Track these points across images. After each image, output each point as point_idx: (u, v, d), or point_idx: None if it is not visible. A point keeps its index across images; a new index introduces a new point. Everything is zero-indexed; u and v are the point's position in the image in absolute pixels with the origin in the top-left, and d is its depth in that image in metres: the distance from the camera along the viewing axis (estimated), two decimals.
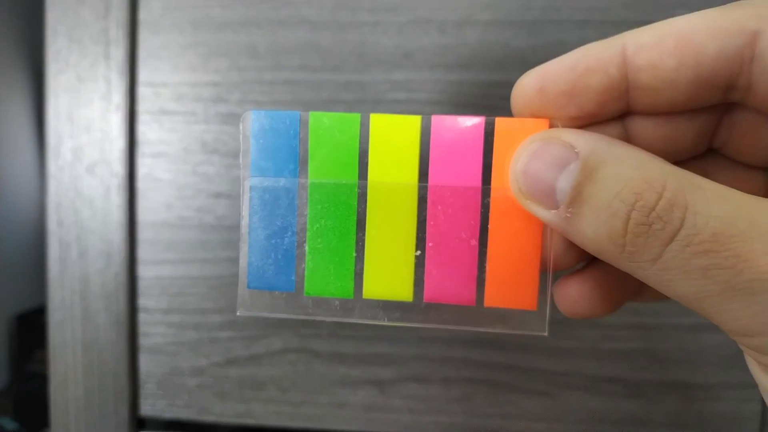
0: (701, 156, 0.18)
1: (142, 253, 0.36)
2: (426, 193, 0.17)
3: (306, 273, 0.18)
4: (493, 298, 0.18)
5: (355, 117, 0.17)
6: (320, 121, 0.18)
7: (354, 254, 0.18)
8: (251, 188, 0.18)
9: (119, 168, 0.35)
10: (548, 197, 0.15)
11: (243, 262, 0.19)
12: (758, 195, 0.14)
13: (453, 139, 0.17)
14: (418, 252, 0.18)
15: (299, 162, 0.18)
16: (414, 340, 0.35)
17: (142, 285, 0.36)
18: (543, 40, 0.33)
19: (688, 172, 0.14)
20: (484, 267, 0.17)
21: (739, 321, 0.13)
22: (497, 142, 0.17)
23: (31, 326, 1.94)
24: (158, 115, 0.35)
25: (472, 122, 0.17)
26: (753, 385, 0.31)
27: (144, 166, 0.35)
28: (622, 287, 0.18)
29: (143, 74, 0.35)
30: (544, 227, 0.17)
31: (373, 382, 0.35)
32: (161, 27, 0.35)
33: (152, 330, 0.36)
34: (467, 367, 0.35)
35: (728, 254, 0.12)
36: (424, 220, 0.17)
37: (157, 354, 0.36)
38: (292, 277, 0.18)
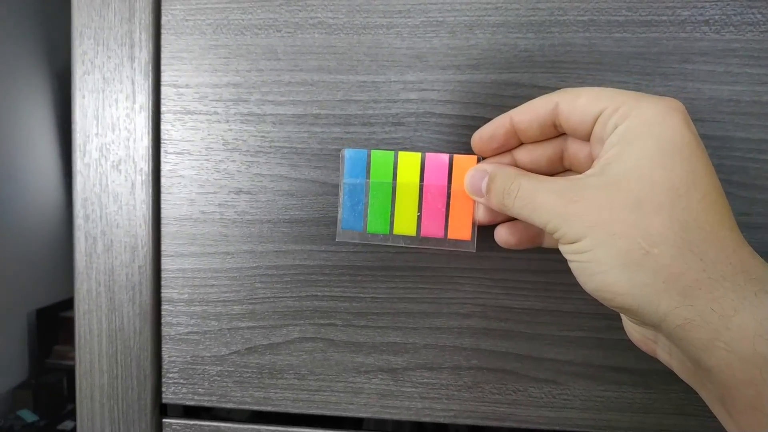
0: (563, 172, 0.33)
1: (166, 246, 0.37)
2: (423, 187, 0.35)
3: (368, 222, 0.35)
4: (451, 234, 0.35)
5: (392, 153, 0.35)
6: (376, 154, 0.35)
7: (390, 214, 0.35)
8: (345, 183, 0.35)
9: (144, 165, 0.37)
10: (479, 192, 0.32)
11: (339, 216, 0.35)
12: None
13: (435, 164, 0.35)
14: (419, 213, 0.35)
15: (366, 172, 0.35)
16: (426, 330, 0.36)
17: (166, 277, 0.37)
18: (550, 41, 0.34)
19: (527, 172, 0.31)
20: (448, 220, 0.35)
21: (539, 222, 0.28)
22: (455, 165, 0.34)
23: (50, 321, 1.96)
24: (181, 115, 0.36)
25: (443, 157, 0.34)
26: None
27: (168, 163, 0.37)
28: (521, 232, 0.33)
29: (166, 75, 0.36)
30: (474, 202, 0.34)
31: (387, 369, 0.36)
32: (184, 30, 0.36)
33: (175, 320, 0.38)
34: (477, 356, 0.36)
35: (532, 200, 0.28)
36: (422, 199, 0.35)
37: (180, 343, 0.38)
38: (362, 224, 0.35)
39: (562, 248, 0.28)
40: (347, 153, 0.35)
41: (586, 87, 0.30)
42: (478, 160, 0.34)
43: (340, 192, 0.35)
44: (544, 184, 0.29)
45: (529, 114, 0.31)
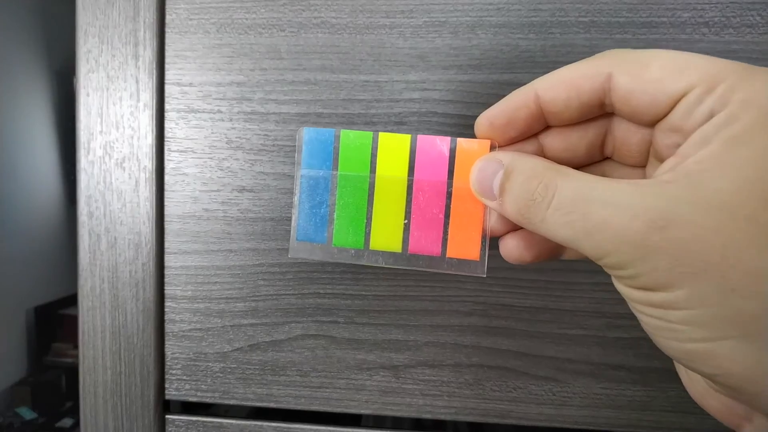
0: (600, 161, 0.26)
1: (169, 243, 0.37)
2: (412, 184, 0.27)
3: (334, 231, 0.27)
4: (452, 251, 0.27)
5: (369, 134, 0.27)
6: (347, 135, 0.27)
7: (365, 221, 0.27)
8: (302, 176, 0.27)
9: (148, 163, 0.37)
10: (490, 193, 0.24)
11: (294, 223, 0.28)
12: None
13: (430, 150, 0.27)
14: (406, 221, 0.27)
15: (333, 161, 0.27)
16: (427, 327, 0.36)
17: (169, 274, 0.38)
18: (551, 42, 0.34)
19: (562, 166, 0.22)
20: (447, 231, 0.27)
21: (592, 251, 0.20)
22: (458, 153, 0.26)
23: (49, 318, 1.96)
24: (185, 113, 0.37)
25: (443, 140, 0.26)
26: None
27: (171, 161, 0.37)
28: (540, 244, 0.26)
29: (170, 74, 0.37)
30: (484, 207, 0.26)
31: (389, 367, 0.37)
32: (188, 29, 0.36)
33: (178, 317, 0.38)
34: (478, 354, 0.36)
35: (580, 212, 0.20)
36: (410, 201, 0.27)
37: (183, 340, 0.38)
38: (325, 234, 0.28)
39: (630, 293, 0.21)
40: (306, 133, 0.27)
41: (650, 50, 0.21)
42: (492, 147, 0.26)
43: (295, 188, 0.27)
44: (599, 188, 0.20)
45: (565, 90, 0.23)
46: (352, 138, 0.27)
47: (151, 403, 0.38)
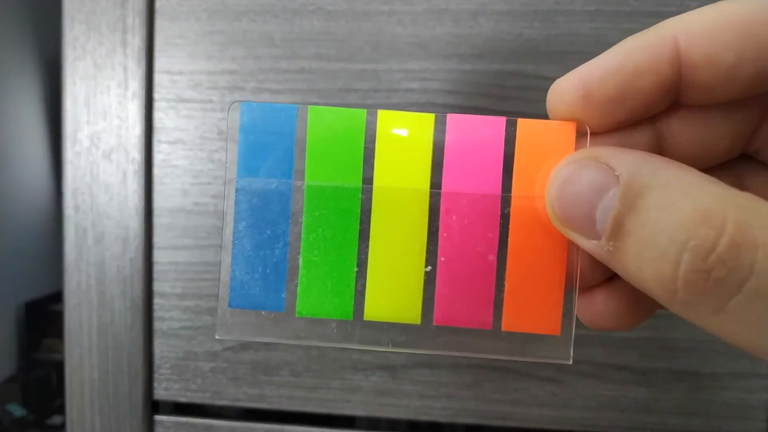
0: (732, 161, 0.16)
1: (158, 238, 0.36)
2: (439, 201, 0.16)
3: (299, 290, 0.16)
4: (511, 321, 0.16)
5: (361, 113, 0.16)
6: (321, 116, 0.16)
7: (355, 269, 0.16)
8: (237, 191, 0.16)
9: (136, 154, 0.35)
10: (588, 226, 0.13)
11: (225, 276, 0.16)
12: None
13: (470, 141, 0.15)
14: (429, 268, 0.16)
15: (295, 162, 0.16)
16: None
17: (158, 270, 0.36)
18: (556, 31, 0.33)
19: (756, 197, 0.11)
20: (503, 286, 0.16)
21: None
22: (519, 145, 0.15)
23: (40, 314, 1.95)
24: (175, 103, 0.35)
25: (491, 123, 0.15)
26: (760, 375, 0.31)
27: (160, 152, 0.36)
28: (650, 302, 0.15)
29: (160, 62, 0.35)
30: (568, 242, 0.15)
31: (385, 367, 0.36)
32: (178, 15, 0.35)
33: (167, 315, 0.37)
34: None
35: None
36: (436, 232, 0.16)
37: (172, 338, 0.37)
38: (282, 295, 0.16)
39: None
40: (245, 111, 0.17)
41: None
42: (581, 134, 0.15)
43: (225, 212, 0.16)
44: None
45: (736, 45, 0.13)
46: (328, 120, 0.15)
47: (139, 403, 0.37)
